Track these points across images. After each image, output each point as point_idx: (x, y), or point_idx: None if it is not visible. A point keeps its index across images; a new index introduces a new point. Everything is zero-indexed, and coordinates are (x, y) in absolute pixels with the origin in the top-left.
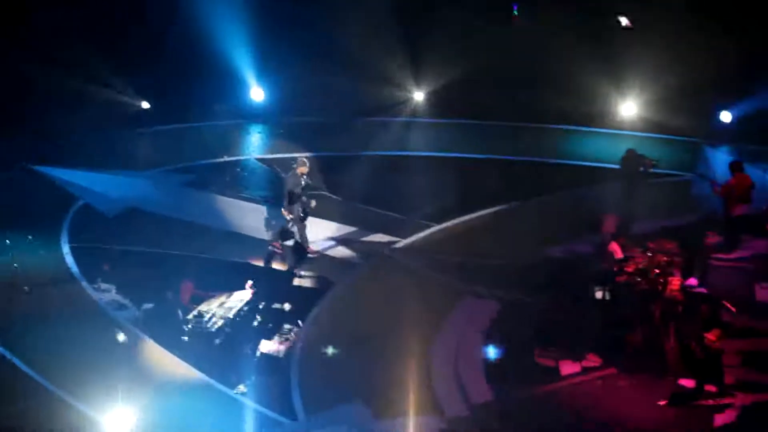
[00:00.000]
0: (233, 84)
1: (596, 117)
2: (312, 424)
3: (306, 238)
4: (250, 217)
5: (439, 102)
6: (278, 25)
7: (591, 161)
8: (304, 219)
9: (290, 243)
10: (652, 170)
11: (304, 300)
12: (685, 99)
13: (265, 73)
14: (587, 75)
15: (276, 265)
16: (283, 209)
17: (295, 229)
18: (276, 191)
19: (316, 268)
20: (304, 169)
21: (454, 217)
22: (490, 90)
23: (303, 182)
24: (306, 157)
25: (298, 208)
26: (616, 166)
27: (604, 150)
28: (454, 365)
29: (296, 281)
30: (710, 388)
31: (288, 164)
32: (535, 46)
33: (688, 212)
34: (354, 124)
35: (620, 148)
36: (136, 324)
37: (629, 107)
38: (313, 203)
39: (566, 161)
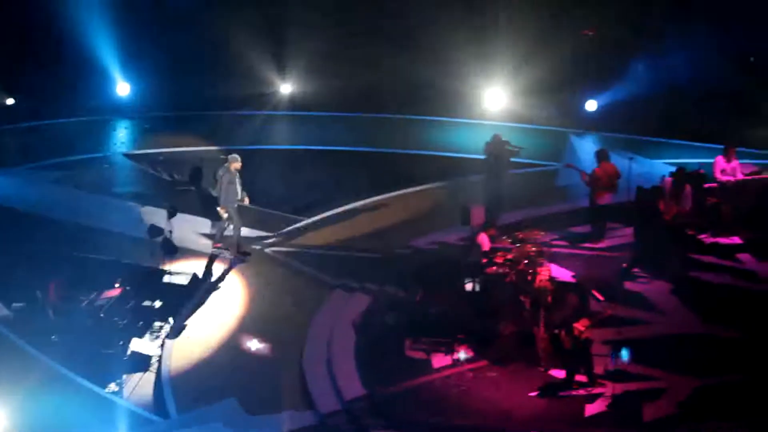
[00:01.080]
0: (99, 80)
1: (463, 108)
2: (184, 422)
3: (241, 237)
4: (119, 214)
5: (306, 95)
6: (143, 20)
7: (459, 152)
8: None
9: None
10: (514, 158)
11: (175, 297)
12: (551, 89)
13: (130, 69)
14: (454, 66)
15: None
16: (219, 208)
17: (230, 227)
18: (143, 187)
19: (185, 264)
20: (237, 165)
21: (323, 211)
22: (356, 82)
23: (238, 178)
24: (171, 153)
25: (233, 205)
26: (482, 156)
27: (471, 141)
28: (326, 360)
29: (166, 278)
30: (580, 377)
31: (155, 159)
32: (402, 39)
33: (556, 202)
34: (219, 118)
35: (488, 139)
36: (6, 324)
37: (497, 98)
38: (247, 200)
39: (434, 152)
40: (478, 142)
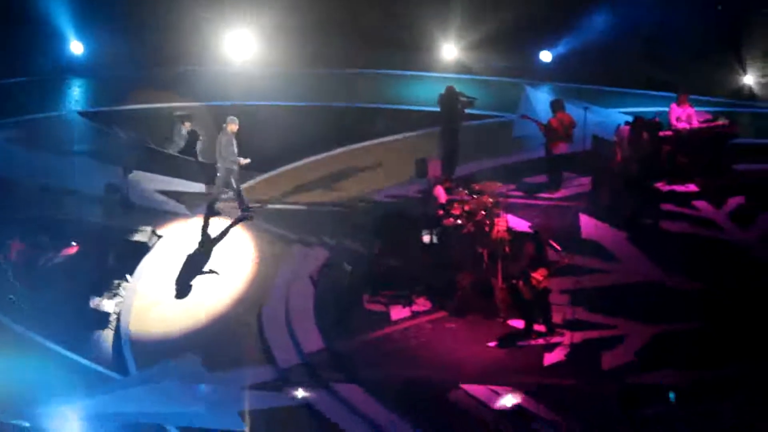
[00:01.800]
0: (52, 38)
1: (418, 61)
2: (143, 379)
3: (242, 194)
4: (76, 173)
5: (260, 51)
6: None
7: (414, 105)
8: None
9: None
10: (468, 109)
11: (133, 254)
12: (505, 39)
13: (84, 26)
14: (407, 18)
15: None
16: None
17: (230, 186)
18: (99, 145)
19: (143, 221)
20: (234, 127)
21: (279, 166)
22: (309, 37)
23: (234, 140)
24: (133, 109)
25: (233, 167)
26: (437, 109)
27: (427, 93)
28: (285, 314)
29: (124, 236)
30: (539, 327)
31: (111, 117)
32: None
33: (512, 152)
34: (179, 75)
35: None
36: None
37: (450, 50)
38: (244, 160)
39: (389, 106)
40: (433, 95)
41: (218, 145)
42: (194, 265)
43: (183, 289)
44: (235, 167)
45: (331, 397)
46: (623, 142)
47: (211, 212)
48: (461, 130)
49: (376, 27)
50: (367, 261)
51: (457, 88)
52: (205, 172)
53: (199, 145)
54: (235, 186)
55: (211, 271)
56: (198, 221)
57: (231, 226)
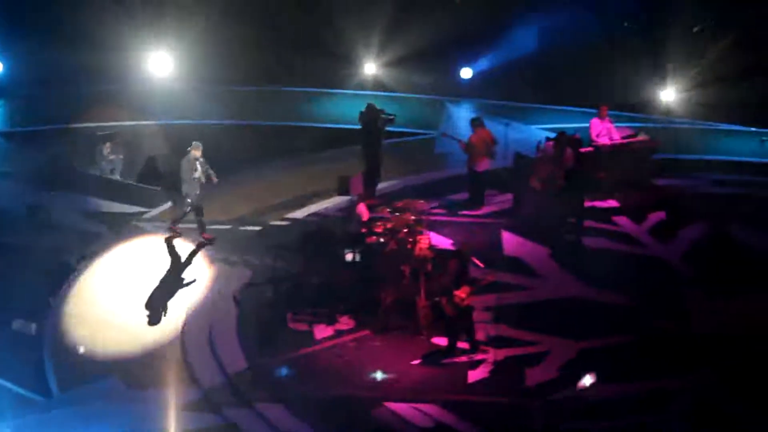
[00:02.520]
0: None
1: (339, 79)
2: (66, 401)
3: (203, 222)
4: None
5: (185, 69)
6: None
7: (336, 123)
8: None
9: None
10: (389, 126)
11: (56, 276)
12: (426, 56)
13: (2, 45)
14: (329, 37)
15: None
16: (184, 193)
17: (192, 212)
18: (18, 166)
19: (64, 241)
20: (198, 153)
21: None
22: (234, 56)
23: (198, 165)
24: (54, 129)
25: (195, 192)
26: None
27: (348, 111)
28: (208, 334)
29: (48, 256)
30: (463, 344)
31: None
32: (276, 12)
33: (434, 170)
34: (101, 94)
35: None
36: None
37: (371, 67)
38: (214, 179)
39: (311, 124)
40: (354, 112)
41: (182, 169)
42: (117, 284)
43: (104, 309)
44: (198, 191)
45: (255, 416)
46: (546, 157)
47: (171, 234)
48: (382, 147)
49: (298, 45)
50: (290, 280)
51: (379, 105)
52: (129, 193)
53: (119, 165)
54: (197, 211)
55: (133, 290)
56: (122, 241)
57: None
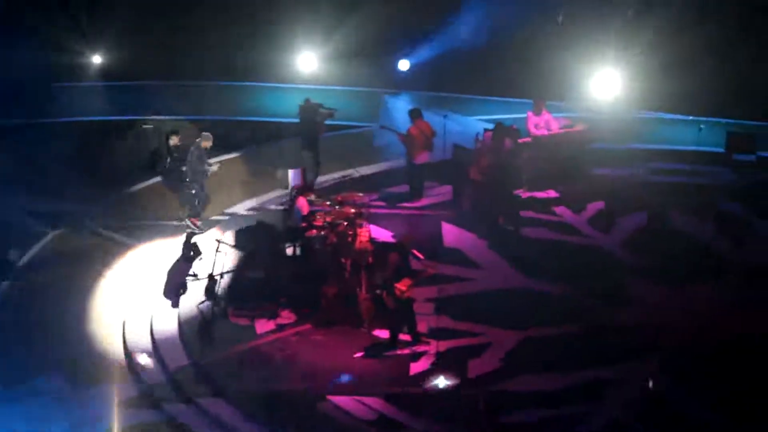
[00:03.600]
0: None
1: (278, 72)
2: (10, 398)
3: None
4: None
5: (118, 65)
6: None
7: (275, 116)
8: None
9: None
10: (329, 120)
11: None
12: (363, 49)
13: None
14: (266, 30)
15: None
16: (186, 184)
17: (199, 201)
18: None
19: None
20: (209, 144)
21: (142, 181)
22: (170, 50)
23: (205, 156)
24: None
25: (202, 181)
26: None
27: (287, 105)
28: (149, 330)
29: None
30: (404, 337)
31: None
32: (214, 4)
33: (374, 162)
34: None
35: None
36: None
37: (310, 60)
38: (215, 167)
39: (249, 118)
40: (293, 106)
41: (190, 160)
42: (52, 278)
43: (45, 305)
44: (204, 181)
45: (198, 412)
46: (485, 148)
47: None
48: (321, 140)
49: (237, 39)
50: (231, 275)
51: (317, 98)
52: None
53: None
54: (201, 199)
55: (75, 288)
56: (62, 240)
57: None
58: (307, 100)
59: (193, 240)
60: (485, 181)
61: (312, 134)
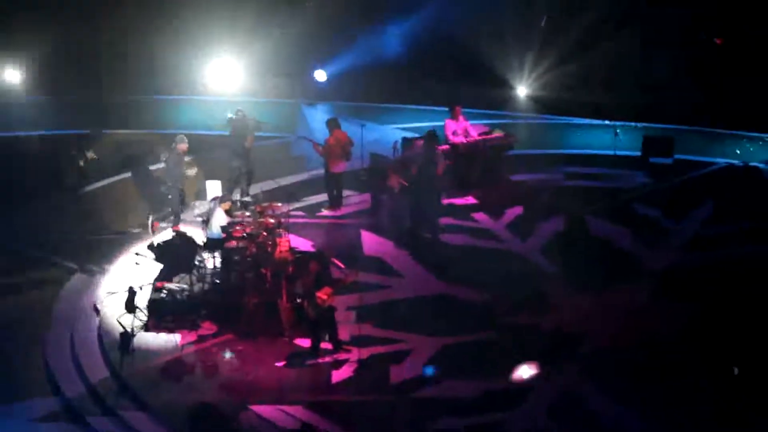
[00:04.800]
0: None
1: (195, 84)
2: None
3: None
4: None
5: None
6: None
7: (195, 129)
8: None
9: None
10: (258, 131)
11: None
12: (280, 61)
13: None
14: (181, 42)
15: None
16: (164, 189)
17: (176, 205)
18: None
19: None
20: (185, 147)
21: (57, 195)
22: (82, 63)
23: (183, 161)
24: None
25: (178, 186)
26: (215, 132)
27: (203, 117)
28: (69, 344)
29: None
30: (326, 345)
31: None
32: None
33: (292, 172)
34: None
35: (220, 114)
36: None
37: (227, 72)
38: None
39: (168, 131)
40: (207, 119)
41: (167, 165)
42: None
43: None
44: (180, 186)
45: (119, 425)
46: (416, 156)
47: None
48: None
49: (154, 52)
50: (151, 287)
51: (234, 109)
52: None
53: None
54: (175, 207)
55: None
56: None
57: None
58: (238, 112)
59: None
60: (414, 189)
61: (243, 145)
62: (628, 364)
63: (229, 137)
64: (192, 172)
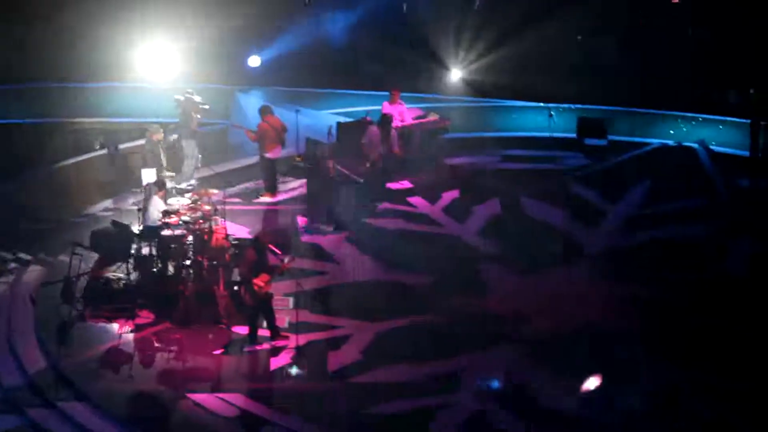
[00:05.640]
0: None
1: (125, 71)
2: None
3: None
4: None
5: None
6: None
7: (127, 117)
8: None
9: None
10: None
11: None
12: (213, 45)
13: None
14: (112, 29)
15: None
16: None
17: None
18: None
19: None
20: (159, 136)
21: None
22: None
23: (161, 149)
24: None
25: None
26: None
27: (134, 104)
28: (6, 335)
29: None
30: (264, 332)
31: None
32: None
33: (228, 159)
34: None
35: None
36: None
37: (160, 59)
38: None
39: (99, 119)
40: (141, 106)
41: (146, 155)
42: None
43: None
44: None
45: (58, 416)
46: (376, 140)
47: None
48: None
49: (87, 39)
50: (87, 276)
51: (167, 96)
52: None
53: None
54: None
55: None
56: None
57: None
58: (186, 93)
59: None
60: (352, 174)
61: (190, 127)
62: (567, 346)
63: (178, 121)
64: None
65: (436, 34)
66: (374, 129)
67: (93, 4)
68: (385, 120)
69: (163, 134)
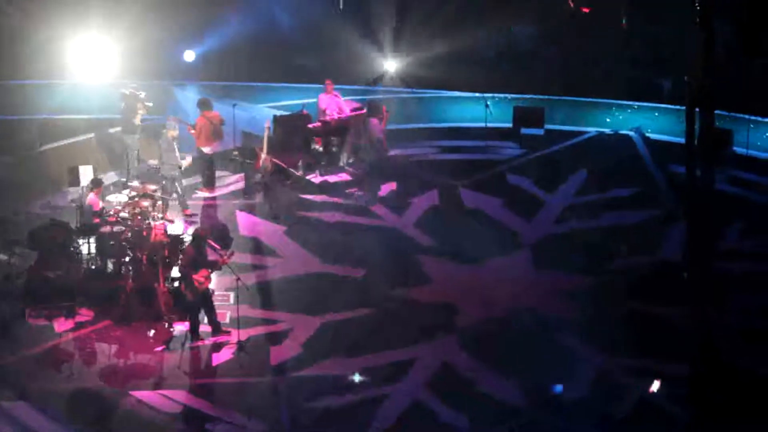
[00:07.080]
0: None
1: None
2: None
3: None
4: None
5: None
6: None
7: (64, 114)
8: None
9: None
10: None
11: None
12: (148, 41)
13: None
14: (47, 23)
15: None
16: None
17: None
18: None
19: None
20: (174, 133)
21: None
22: None
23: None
24: None
25: (173, 172)
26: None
27: (73, 101)
28: None
29: None
30: (205, 328)
31: None
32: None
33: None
34: None
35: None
36: None
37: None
38: (188, 161)
39: (36, 116)
40: (79, 103)
41: (159, 151)
42: None
43: None
44: (176, 172)
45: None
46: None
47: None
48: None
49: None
50: (26, 275)
51: (104, 94)
52: None
53: None
54: (179, 190)
55: None
56: None
57: None
58: (130, 87)
59: None
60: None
61: (132, 122)
62: (505, 334)
63: (121, 115)
64: (187, 161)
65: (372, 25)
66: (374, 120)
67: (34, 4)
68: (373, 108)
69: (177, 131)
